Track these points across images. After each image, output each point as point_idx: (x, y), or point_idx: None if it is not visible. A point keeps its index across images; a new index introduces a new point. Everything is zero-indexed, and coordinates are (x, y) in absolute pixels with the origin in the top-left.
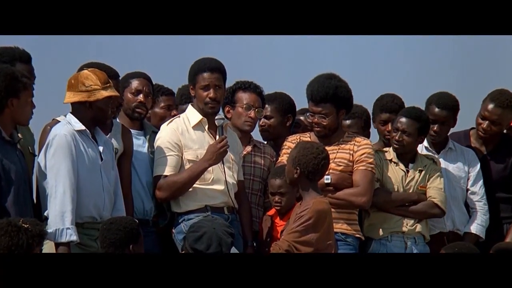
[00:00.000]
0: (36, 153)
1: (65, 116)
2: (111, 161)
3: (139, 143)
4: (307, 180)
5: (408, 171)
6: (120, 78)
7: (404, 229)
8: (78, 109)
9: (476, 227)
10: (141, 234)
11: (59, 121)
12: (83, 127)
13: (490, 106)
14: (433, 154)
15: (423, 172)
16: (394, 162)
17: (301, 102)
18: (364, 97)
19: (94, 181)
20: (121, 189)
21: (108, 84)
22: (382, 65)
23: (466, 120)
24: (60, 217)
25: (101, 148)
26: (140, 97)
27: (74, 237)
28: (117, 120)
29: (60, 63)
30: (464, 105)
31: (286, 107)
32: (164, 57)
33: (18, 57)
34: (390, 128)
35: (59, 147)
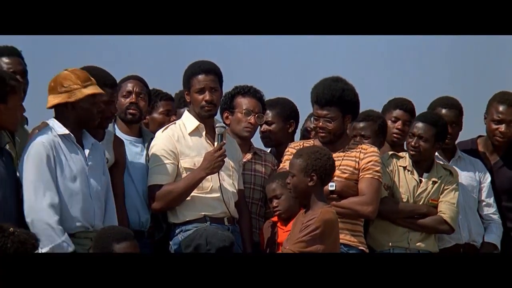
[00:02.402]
0: None
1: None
2: (101, 166)
3: (137, 151)
4: (321, 186)
5: (421, 181)
6: (116, 87)
7: (409, 244)
8: (61, 113)
9: (495, 237)
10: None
11: (49, 124)
12: (66, 132)
13: (502, 107)
14: (448, 164)
15: (436, 184)
16: (408, 170)
17: (305, 109)
18: (370, 102)
19: (80, 188)
20: (113, 196)
21: (89, 82)
22: (388, 68)
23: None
24: (47, 233)
25: (87, 151)
26: (131, 97)
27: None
28: (117, 129)
29: (60, 63)
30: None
31: (288, 112)
32: (163, 61)
33: (2, 52)
34: (400, 126)
35: (34, 157)
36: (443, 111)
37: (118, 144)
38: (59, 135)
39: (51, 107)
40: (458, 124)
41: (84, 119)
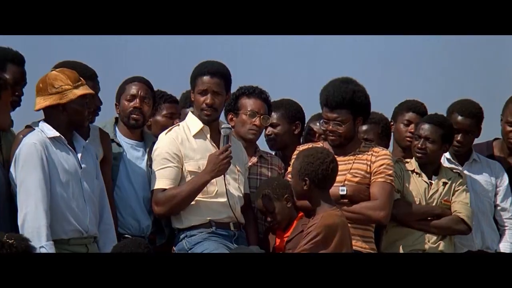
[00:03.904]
0: None
1: (39, 122)
2: (94, 169)
3: (138, 155)
4: (319, 190)
5: (431, 183)
6: (97, 78)
7: (426, 246)
8: (51, 114)
9: (509, 246)
10: None
11: (33, 128)
12: (57, 134)
13: None
14: (456, 166)
15: (447, 185)
16: (417, 173)
17: (311, 111)
18: (381, 105)
19: (74, 192)
20: (108, 200)
21: (80, 82)
22: (399, 70)
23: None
24: (35, 234)
25: (79, 155)
26: (135, 102)
27: None
28: (118, 132)
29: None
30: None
31: (293, 113)
32: (168, 61)
33: (10, 58)
34: (413, 130)
35: (27, 158)
36: (459, 118)
37: (105, 138)
38: (49, 138)
39: (39, 109)
40: (472, 133)
41: (75, 121)
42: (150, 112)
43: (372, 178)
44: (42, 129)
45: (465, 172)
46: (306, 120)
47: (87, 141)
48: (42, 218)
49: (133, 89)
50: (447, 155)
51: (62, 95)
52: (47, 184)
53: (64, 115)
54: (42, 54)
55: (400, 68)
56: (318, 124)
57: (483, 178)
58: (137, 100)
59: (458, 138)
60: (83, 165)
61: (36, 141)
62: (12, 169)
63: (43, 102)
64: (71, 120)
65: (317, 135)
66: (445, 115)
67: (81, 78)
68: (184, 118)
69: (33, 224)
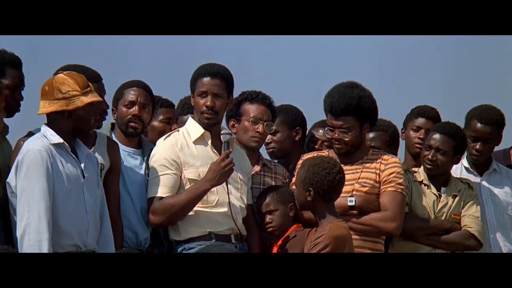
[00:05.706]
0: None
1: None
2: (96, 178)
3: (136, 164)
4: (323, 202)
5: (440, 196)
6: (101, 81)
7: None
8: (55, 120)
9: None
10: None
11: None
12: (61, 140)
13: None
14: (474, 176)
15: (457, 198)
16: (425, 185)
17: (314, 117)
18: (389, 111)
19: (75, 203)
20: (107, 211)
21: (89, 89)
22: (407, 72)
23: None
24: (36, 247)
25: (82, 164)
26: (134, 109)
27: None
28: (114, 138)
29: (48, 67)
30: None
31: (293, 119)
32: (164, 65)
33: (9, 62)
34: (423, 136)
35: (32, 165)
36: (478, 125)
37: (113, 148)
38: (52, 144)
39: (42, 113)
40: (492, 141)
41: (81, 128)
42: (149, 120)
43: (381, 187)
44: (45, 134)
45: (484, 182)
46: (309, 127)
47: (92, 149)
48: (44, 232)
49: (132, 95)
50: (465, 163)
51: (69, 102)
52: (51, 194)
53: (69, 122)
54: (37, 55)
55: (411, 71)
56: (321, 131)
57: (503, 190)
58: (136, 107)
59: (477, 147)
60: (86, 175)
61: (41, 147)
62: (11, 176)
63: (48, 107)
64: (76, 127)
65: (319, 142)
66: (462, 121)
67: (89, 84)
68: (181, 126)
69: (35, 237)
